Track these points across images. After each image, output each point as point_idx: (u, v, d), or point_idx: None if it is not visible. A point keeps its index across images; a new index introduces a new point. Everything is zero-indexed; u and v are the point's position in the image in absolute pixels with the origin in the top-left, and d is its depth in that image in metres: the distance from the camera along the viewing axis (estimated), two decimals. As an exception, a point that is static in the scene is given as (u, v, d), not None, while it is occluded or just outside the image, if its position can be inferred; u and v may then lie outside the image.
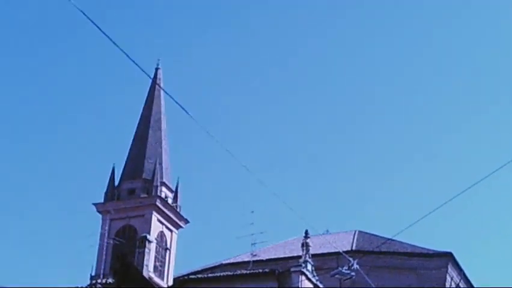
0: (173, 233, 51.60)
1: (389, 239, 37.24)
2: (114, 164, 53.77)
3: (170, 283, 42.51)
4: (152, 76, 52.88)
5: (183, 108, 11.19)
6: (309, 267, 34.58)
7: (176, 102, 11.14)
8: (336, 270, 29.36)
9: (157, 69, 54.92)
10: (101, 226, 48.49)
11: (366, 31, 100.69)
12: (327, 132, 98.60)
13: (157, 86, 54.83)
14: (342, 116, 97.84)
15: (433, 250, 45.14)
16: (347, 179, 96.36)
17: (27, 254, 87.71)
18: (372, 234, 47.32)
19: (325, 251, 40.80)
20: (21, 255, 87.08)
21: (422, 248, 45.55)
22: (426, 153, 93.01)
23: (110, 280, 29.97)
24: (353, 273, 28.79)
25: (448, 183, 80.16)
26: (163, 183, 52.34)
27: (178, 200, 53.00)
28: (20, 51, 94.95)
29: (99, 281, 30.95)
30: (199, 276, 37.35)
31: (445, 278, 43.67)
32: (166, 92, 21.75)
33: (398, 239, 40.12)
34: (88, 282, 33.61)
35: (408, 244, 44.92)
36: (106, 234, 46.09)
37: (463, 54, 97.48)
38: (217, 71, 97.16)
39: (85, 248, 68.71)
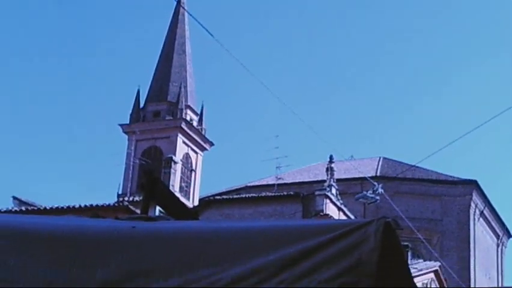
0: (199, 155, 52.06)
1: (413, 166, 37.24)
2: (139, 86, 54.02)
3: (196, 203, 43.06)
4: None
5: (207, 31, 11.09)
6: (334, 191, 34.83)
7: (201, 25, 11.03)
8: (360, 194, 29.60)
9: (181, -8, 54.50)
10: (128, 146, 49.04)
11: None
12: (352, 56, 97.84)
13: (181, 11, 54.50)
14: (368, 40, 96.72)
15: (458, 177, 45.23)
16: (372, 104, 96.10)
17: (55, 174, 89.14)
18: (397, 161, 47.41)
19: (349, 176, 41.00)
20: (50, 175, 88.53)
21: (446, 175, 45.65)
22: (453, 81, 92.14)
23: (136, 198, 30.36)
24: (377, 197, 28.99)
25: (474, 111, 79.61)
26: (188, 106, 52.56)
27: (203, 123, 53.30)
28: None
29: (126, 198, 31.34)
30: (224, 197, 37.75)
31: (469, 205, 43.87)
32: (190, 14, 21.72)
33: (422, 166, 40.13)
34: (115, 200, 34.11)
35: (432, 171, 45.00)
36: (132, 154, 46.60)
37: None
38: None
39: (112, 167, 69.99)
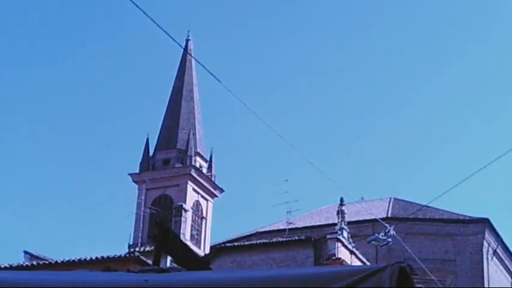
0: (209, 202, 52.00)
1: (424, 206, 37.02)
2: (148, 134, 54.27)
3: (207, 251, 42.84)
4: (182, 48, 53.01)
5: (215, 77, 11.17)
6: (345, 234, 34.59)
7: (208, 71, 11.12)
8: (372, 237, 29.35)
9: (187, 40, 55.04)
10: (138, 196, 49.09)
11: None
12: (360, 101, 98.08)
13: (188, 58, 55.06)
14: (375, 85, 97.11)
15: (469, 216, 44.88)
16: (381, 146, 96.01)
17: (65, 225, 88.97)
18: (407, 201, 47.13)
19: (360, 218, 40.76)
20: (59, 226, 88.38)
21: (458, 214, 45.31)
22: (461, 119, 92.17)
23: (147, 248, 30.24)
24: (389, 240, 28.74)
25: (484, 149, 79.45)
26: (197, 153, 52.69)
27: (213, 169, 53.35)
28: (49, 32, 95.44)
29: (137, 249, 31.23)
30: (236, 244, 37.52)
31: (482, 244, 43.47)
32: (197, 61, 21.87)
33: (433, 206, 39.88)
34: (126, 250, 33.99)
35: (444, 210, 44.69)
36: (143, 204, 46.61)
37: None
38: (247, 41, 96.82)
39: (122, 217, 69.93)
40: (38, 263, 27.43)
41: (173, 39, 10.68)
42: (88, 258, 25.56)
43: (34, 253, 31.55)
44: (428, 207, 38.98)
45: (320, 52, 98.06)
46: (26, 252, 31.70)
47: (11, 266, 25.28)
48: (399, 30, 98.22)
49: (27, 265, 26.84)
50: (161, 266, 4.97)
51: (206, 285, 3.53)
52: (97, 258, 25.31)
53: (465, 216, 45.01)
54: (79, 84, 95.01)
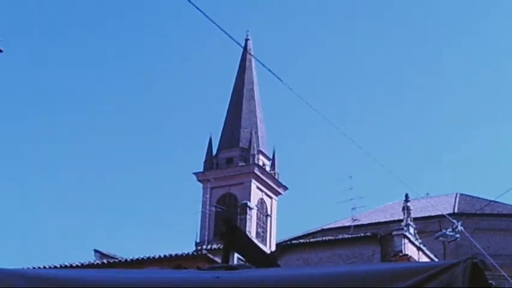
0: (273, 200, 52.09)
1: (492, 201, 36.33)
2: (211, 133, 54.66)
3: (273, 249, 42.90)
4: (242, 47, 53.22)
5: (275, 75, 11.14)
6: (411, 230, 34.22)
7: (268, 69, 11.10)
8: (440, 233, 28.96)
9: (246, 40, 55.18)
10: (203, 194, 49.47)
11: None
12: (425, 93, 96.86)
13: (247, 58, 55.27)
14: (438, 77, 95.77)
15: (539, 211, 43.90)
16: (446, 140, 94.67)
17: (134, 224, 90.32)
18: (474, 197, 46.37)
19: (426, 214, 40.27)
20: (129, 225, 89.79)
21: (526, 208, 44.38)
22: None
23: (214, 246, 30.43)
24: (457, 235, 28.31)
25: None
26: (260, 152, 52.82)
27: (276, 167, 53.42)
28: (109, 24, 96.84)
29: (204, 247, 31.48)
30: (301, 241, 37.47)
31: (552, 239, 42.50)
32: (257, 60, 21.69)
33: (501, 201, 39.12)
34: (193, 248, 34.29)
35: (511, 205, 43.84)
36: (208, 202, 46.94)
37: None
38: (304, 38, 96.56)
39: (189, 216, 70.41)
40: (108, 261, 27.88)
41: (233, 39, 10.71)
42: (157, 256, 25.85)
43: (104, 252, 32.08)
44: (496, 202, 38.23)
45: (374, 48, 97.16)
46: (96, 251, 32.25)
47: (82, 264, 25.75)
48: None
49: (97, 263, 27.32)
50: (229, 263, 5.02)
51: (276, 282, 3.55)
52: (165, 256, 25.58)
53: (534, 210, 44.06)
54: (144, 85, 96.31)
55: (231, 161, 52.65)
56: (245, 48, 52.99)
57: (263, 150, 53.50)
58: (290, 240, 40.42)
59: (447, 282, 3.05)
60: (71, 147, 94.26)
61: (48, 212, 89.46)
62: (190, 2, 9.12)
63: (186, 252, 25.93)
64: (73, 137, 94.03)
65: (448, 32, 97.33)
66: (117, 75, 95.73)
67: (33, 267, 19.98)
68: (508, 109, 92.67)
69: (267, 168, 52.75)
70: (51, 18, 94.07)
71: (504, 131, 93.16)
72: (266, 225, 50.27)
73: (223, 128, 54.83)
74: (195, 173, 52.24)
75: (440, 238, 29.99)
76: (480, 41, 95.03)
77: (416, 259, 32.01)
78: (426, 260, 33.23)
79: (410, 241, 32.99)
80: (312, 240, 37.21)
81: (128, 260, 26.99)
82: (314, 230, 44.47)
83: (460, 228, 27.78)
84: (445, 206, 42.42)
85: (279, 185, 52.76)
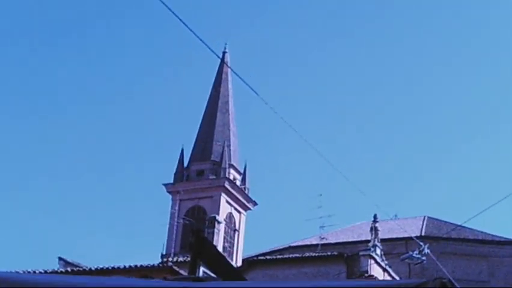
0: (242, 215, 52.02)
1: (459, 226, 36.63)
2: (183, 145, 54.53)
3: (239, 264, 42.82)
4: (220, 59, 53.25)
5: (251, 88, 11.19)
6: (378, 251, 34.39)
7: (245, 82, 11.14)
8: (406, 254, 29.10)
9: (224, 52, 55.23)
10: (171, 206, 49.28)
11: None
12: (396, 116, 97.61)
13: (224, 71, 55.38)
14: (412, 97, 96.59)
15: (505, 238, 44.33)
16: (417, 163, 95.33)
17: (99, 234, 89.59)
18: (442, 220, 46.73)
19: (394, 235, 40.49)
20: (94, 234, 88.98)
21: (493, 235, 44.80)
22: (496, 138, 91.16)
23: (180, 259, 30.34)
24: (423, 258, 28.48)
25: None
26: (231, 165, 52.78)
27: (246, 182, 53.39)
28: (88, 35, 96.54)
29: (170, 259, 31.35)
30: (268, 257, 37.49)
31: (517, 266, 42.87)
32: (234, 72, 21.80)
33: (468, 226, 39.46)
34: (159, 260, 34.14)
35: (479, 231, 44.21)
36: (177, 214, 46.76)
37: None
38: (282, 54, 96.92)
39: (156, 227, 70.00)
40: (72, 270, 27.66)
41: (211, 50, 10.74)
42: (122, 266, 25.73)
43: (69, 260, 31.81)
44: (463, 227, 38.59)
45: (350, 66, 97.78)
46: (60, 259, 31.97)
47: (45, 271, 25.51)
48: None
49: (61, 271, 27.09)
50: (196, 275, 4.98)
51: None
52: (131, 266, 25.47)
53: (500, 237, 44.48)
54: (118, 94, 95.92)
55: (201, 173, 52.53)
56: (222, 60, 52.99)
57: (234, 164, 53.47)
58: (257, 256, 40.43)
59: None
60: (40, 149, 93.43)
61: (10, 213, 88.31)
62: (170, 10, 9.13)
63: (152, 264, 25.82)
64: (42, 140, 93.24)
65: (427, 46, 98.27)
66: (87, 82, 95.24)
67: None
68: (479, 132, 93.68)
69: (238, 183, 52.71)
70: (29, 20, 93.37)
71: (474, 156, 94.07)
72: (233, 240, 50.18)
73: (196, 140, 54.74)
74: (164, 184, 52.06)
75: (407, 260, 30.14)
76: (450, 61, 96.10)
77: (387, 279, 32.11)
78: (391, 281, 33.32)
79: (376, 262, 33.14)
80: (279, 256, 37.25)
81: (93, 269, 26.80)
82: (281, 247, 44.52)
83: (426, 251, 27.93)
84: (413, 229, 42.68)
85: (249, 200, 52.73)
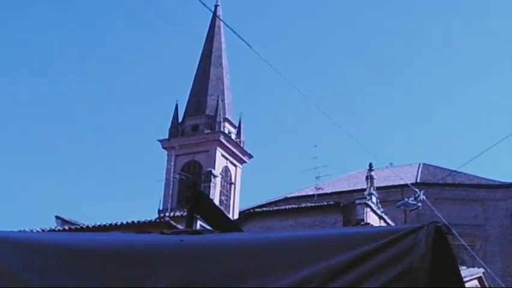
0: (238, 168, 52.16)
1: (453, 171, 36.80)
2: (177, 100, 54.41)
3: (236, 217, 43.08)
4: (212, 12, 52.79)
5: (244, 40, 11.05)
6: (374, 199, 34.58)
7: (238, 36, 10.99)
8: (402, 202, 29.30)
9: (216, 6, 54.76)
10: (167, 162, 49.31)
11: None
12: (395, 63, 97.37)
13: (216, 24, 54.94)
14: (409, 49, 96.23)
15: (500, 181, 44.59)
16: (411, 110, 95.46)
17: (96, 191, 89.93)
18: (437, 167, 46.93)
19: (389, 183, 40.67)
20: (90, 192, 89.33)
21: (488, 179, 45.06)
22: (491, 81, 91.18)
23: (177, 213, 30.46)
24: (419, 204, 28.68)
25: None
26: (226, 119, 52.75)
27: (241, 135, 53.43)
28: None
29: (167, 214, 31.48)
30: (264, 209, 37.69)
31: (512, 209, 43.21)
32: (227, 25, 21.53)
33: (463, 171, 39.65)
34: (156, 216, 34.27)
35: (473, 176, 44.45)
36: (172, 169, 46.82)
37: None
38: (275, 6, 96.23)
39: (152, 183, 70.13)
40: (70, 228, 27.79)
41: (203, 3, 10.61)
42: (119, 223, 25.81)
43: (66, 218, 31.92)
44: (458, 172, 38.75)
45: (346, 16, 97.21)
46: (57, 217, 32.07)
47: (43, 230, 25.61)
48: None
49: (59, 230, 27.20)
50: (193, 228, 5.00)
51: (241, 245, 3.55)
52: (127, 223, 25.56)
53: (495, 181, 44.74)
54: (109, 50, 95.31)
55: (196, 128, 52.50)
56: (214, 13, 52.58)
57: (229, 118, 53.43)
58: (253, 208, 40.61)
59: (410, 245, 3.07)
60: (35, 110, 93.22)
61: (5, 174, 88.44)
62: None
63: (149, 219, 25.93)
64: (37, 100, 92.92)
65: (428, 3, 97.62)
66: (79, 41, 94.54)
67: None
68: (474, 78, 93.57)
69: (233, 136, 52.73)
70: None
71: (469, 102, 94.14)
72: (230, 193, 50.38)
73: (190, 95, 54.57)
74: (159, 140, 52.06)
75: (402, 207, 30.37)
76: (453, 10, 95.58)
77: (384, 225, 32.35)
78: (388, 228, 33.56)
79: (372, 210, 33.34)
80: (275, 208, 37.44)
81: (91, 226, 26.92)
82: (277, 199, 44.72)
83: (422, 197, 28.11)
84: (408, 176, 42.85)
85: (244, 153, 52.82)
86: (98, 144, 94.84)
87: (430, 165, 47.55)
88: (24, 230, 23.83)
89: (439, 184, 41.85)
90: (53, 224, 30.94)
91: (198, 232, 4.26)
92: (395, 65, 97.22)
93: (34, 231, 24.51)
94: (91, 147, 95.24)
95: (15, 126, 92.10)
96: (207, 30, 56.85)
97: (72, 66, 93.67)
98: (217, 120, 51.85)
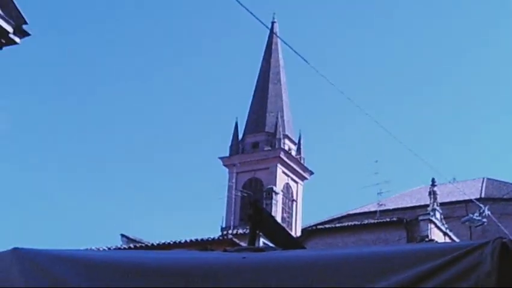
0: (299, 185, 52.09)
1: (519, 186, 36.08)
2: (237, 118, 54.72)
3: (298, 234, 42.95)
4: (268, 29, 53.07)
5: (301, 56, 11.10)
6: (438, 215, 34.10)
7: (294, 51, 11.06)
8: (467, 217, 28.88)
9: (273, 22, 55.05)
10: (229, 179, 49.56)
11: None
12: (454, 77, 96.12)
13: (274, 41, 55.20)
14: (472, 66, 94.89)
15: None
16: (474, 125, 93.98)
17: (159, 210, 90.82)
18: (502, 181, 46.03)
19: (453, 199, 40.06)
20: (154, 211, 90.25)
21: (555, 193, 43.96)
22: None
23: (240, 231, 30.55)
24: (484, 220, 28.21)
25: None
26: (285, 136, 52.83)
27: (302, 151, 53.40)
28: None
29: (229, 231, 31.60)
30: (327, 226, 37.49)
31: None
32: (283, 41, 21.46)
33: (529, 186, 38.84)
34: (219, 233, 34.42)
35: (541, 190, 43.44)
36: (234, 187, 47.04)
37: None
38: (331, 22, 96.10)
39: (214, 200, 70.43)
40: (135, 246, 28.10)
41: (260, 21, 10.71)
42: (183, 240, 26.03)
43: (131, 236, 32.31)
44: (524, 186, 38.01)
45: (405, 30, 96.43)
46: (123, 236, 32.49)
47: (109, 248, 25.94)
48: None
49: (124, 248, 27.52)
50: (256, 245, 5.02)
51: (304, 261, 3.55)
52: (191, 240, 25.76)
53: (563, 195, 43.64)
54: (172, 69, 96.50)
55: (256, 145, 52.72)
56: (271, 30, 52.87)
57: (289, 135, 53.50)
58: (315, 225, 40.44)
59: (476, 261, 3.02)
60: (99, 129, 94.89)
61: (73, 195, 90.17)
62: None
63: (212, 237, 26.07)
64: (100, 120, 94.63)
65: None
66: (142, 61, 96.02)
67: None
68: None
69: (293, 153, 52.76)
70: None
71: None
72: (292, 210, 50.33)
73: (249, 112, 54.87)
74: (221, 158, 52.41)
75: (467, 223, 29.91)
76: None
77: (449, 242, 31.85)
78: (452, 245, 33.03)
79: (436, 226, 32.87)
80: (337, 225, 37.21)
81: (155, 244, 27.18)
82: (340, 215, 44.45)
83: (487, 212, 27.66)
84: (472, 191, 42.15)
85: (305, 169, 52.76)
86: (160, 163, 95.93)
87: (495, 180, 46.68)
88: (90, 248, 24.26)
89: (504, 199, 41.05)
90: (118, 242, 31.36)
91: (260, 249, 4.28)
92: (458, 79, 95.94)
93: (100, 249, 24.88)
94: (155, 166, 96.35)
95: (81, 147, 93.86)
96: (264, 46, 57.19)
97: (135, 84, 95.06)
98: (277, 137, 51.97)
